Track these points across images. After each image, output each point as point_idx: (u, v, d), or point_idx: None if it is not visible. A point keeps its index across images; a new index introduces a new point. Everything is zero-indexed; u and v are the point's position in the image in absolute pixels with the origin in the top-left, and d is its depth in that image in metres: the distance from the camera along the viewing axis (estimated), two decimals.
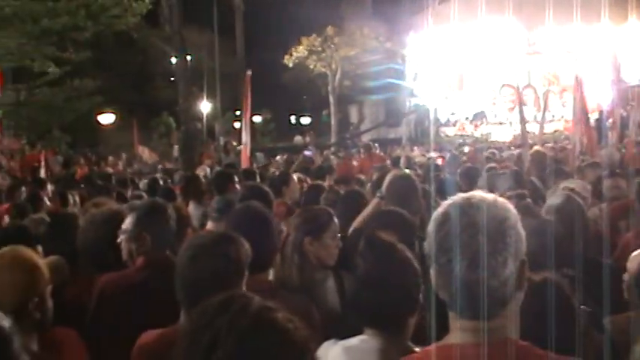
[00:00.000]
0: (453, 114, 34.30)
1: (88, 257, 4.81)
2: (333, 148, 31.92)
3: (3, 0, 12.39)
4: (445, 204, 2.22)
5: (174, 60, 27.50)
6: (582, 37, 29.62)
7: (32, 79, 14.40)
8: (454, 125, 34.08)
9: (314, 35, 37.94)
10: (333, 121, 40.28)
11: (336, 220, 4.65)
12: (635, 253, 4.23)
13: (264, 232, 4.11)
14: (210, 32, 38.68)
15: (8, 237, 4.55)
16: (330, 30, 37.85)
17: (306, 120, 57.65)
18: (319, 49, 38.15)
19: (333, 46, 38.02)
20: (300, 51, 38.10)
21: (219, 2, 36.91)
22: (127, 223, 4.44)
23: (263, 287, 3.43)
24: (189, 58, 27.82)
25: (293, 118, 60.07)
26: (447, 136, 32.69)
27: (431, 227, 2.21)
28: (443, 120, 34.22)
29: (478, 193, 2.23)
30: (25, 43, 12.98)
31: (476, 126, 33.48)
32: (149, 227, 4.35)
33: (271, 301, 2.08)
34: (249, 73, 15.13)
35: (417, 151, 24.10)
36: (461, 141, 29.93)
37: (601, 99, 23.67)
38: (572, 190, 6.63)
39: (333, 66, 38.85)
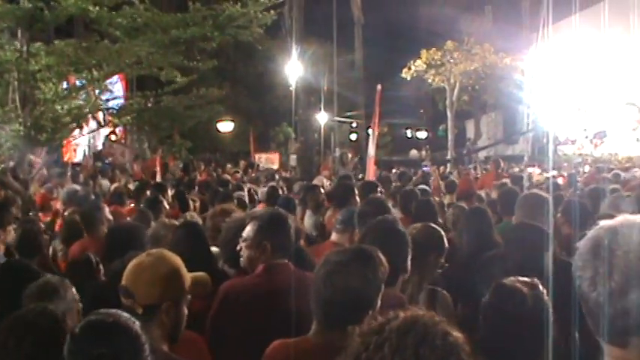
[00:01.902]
0: (572, 132, 33.44)
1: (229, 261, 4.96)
2: (450, 164, 31.64)
3: (135, 11, 12.81)
4: (601, 227, 2.15)
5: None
6: None
7: (157, 87, 14.83)
8: (573, 144, 33.20)
9: (434, 49, 37.71)
10: (449, 136, 39.91)
11: None
12: None
13: (398, 246, 4.12)
14: (330, 44, 39.05)
15: None
16: (449, 44, 37.55)
17: (422, 134, 57.49)
18: (438, 62, 37.88)
19: (452, 60, 37.69)
20: (419, 64, 37.91)
21: (339, 15, 37.20)
22: (248, 230, 4.53)
23: (395, 302, 3.42)
24: (308, 69, 28.16)
25: (409, 132, 60.02)
26: (564, 154, 31.86)
27: (583, 250, 2.15)
28: (561, 138, 33.39)
29: (622, 218, 2.17)
30: (154, 52, 13.36)
31: (595, 145, 32.52)
32: (270, 236, 4.42)
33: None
34: (379, 87, 15.21)
35: (534, 170, 23.62)
36: (580, 160, 29.15)
37: None
38: None
39: (452, 80, 38.47)
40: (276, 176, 21.87)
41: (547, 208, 5.68)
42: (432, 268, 4.89)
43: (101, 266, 5.46)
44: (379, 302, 3.15)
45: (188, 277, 3.49)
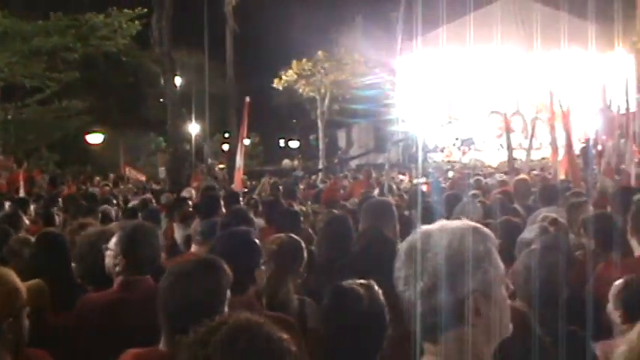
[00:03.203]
0: (441, 140, 34.41)
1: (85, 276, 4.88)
2: (321, 173, 31.94)
3: None
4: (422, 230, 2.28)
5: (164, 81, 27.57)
6: (570, 65, 29.84)
7: (21, 98, 14.40)
8: (442, 151, 34.15)
9: (304, 59, 38.06)
10: (321, 146, 40.33)
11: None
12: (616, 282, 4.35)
13: (247, 256, 4.17)
14: (201, 54, 38.81)
15: None
16: (320, 54, 37.99)
17: (294, 144, 57.76)
18: (309, 73, 38.26)
19: (322, 70, 38.13)
20: (289, 75, 38.18)
21: (214, 25, 37.03)
22: (112, 242, 4.51)
23: (244, 307, 3.47)
24: (178, 79, 27.83)
25: (282, 142, 60.20)
26: (434, 162, 32.72)
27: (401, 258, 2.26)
28: (431, 146, 34.27)
29: (441, 223, 2.30)
30: (14, 63, 12.99)
31: (464, 152, 33.56)
32: (129, 250, 4.37)
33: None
34: (247, 99, 15.30)
35: (402, 177, 24.17)
36: (449, 167, 30.00)
37: (588, 127, 23.79)
38: (554, 219, 6.71)
39: (322, 90, 38.93)
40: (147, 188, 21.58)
41: (391, 213, 5.84)
42: (295, 277, 4.96)
43: None
44: (226, 310, 3.20)
45: (24, 288, 3.44)
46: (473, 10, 29.36)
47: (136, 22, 14.00)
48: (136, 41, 26.60)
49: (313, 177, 29.21)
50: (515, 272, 4.35)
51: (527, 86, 32.61)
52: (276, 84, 38.85)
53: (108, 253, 4.51)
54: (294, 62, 38.14)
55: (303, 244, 5.15)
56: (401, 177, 25.25)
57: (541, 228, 5.66)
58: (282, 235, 5.25)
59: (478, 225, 2.30)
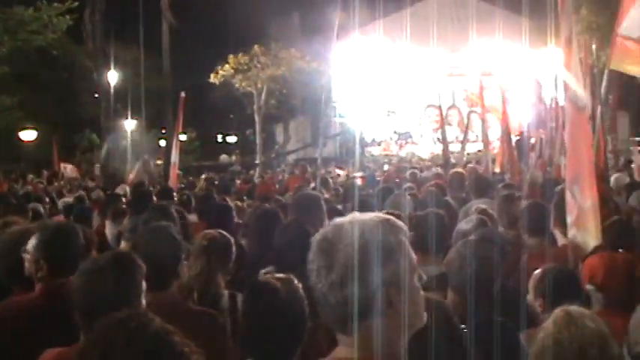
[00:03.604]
0: (378, 134, 34.62)
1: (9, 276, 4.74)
2: (258, 168, 31.89)
3: None
4: (328, 226, 2.29)
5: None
6: (504, 60, 30.23)
7: None
8: (379, 145, 34.36)
9: (241, 54, 37.93)
10: (258, 140, 40.27)
11: None
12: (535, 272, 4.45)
13: (169, 251, 4.14)
14: (137, 49, 38.32)
15: None
16: (256, 49, 37.91)
17: (232, 139, 57.43)
18: (245, 67, 38.15)
19: (259, 65, 38.06)
20: (226, 69, 38.01)
21: (146, 19, 36.60)
22: (30, 245, 4.30)
23: (164, 303, 3.45)
24: (114, 74, 27.47)
25: (220, 137, 59.76)
26: (372, 155, 32.91)
27: (313, 250, 2.27)
28: (369, 140, 34.44)
29: (353, 215, 2.31)
30: None
31: (401, 146, 33.84)
32: (48, 253, 4.21)
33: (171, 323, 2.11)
34: (182, 94, 15.19)
35: (339, 172, 24.26)
36: (386, 160, 30.20)
37: (522, 120, 24.14)
38: (483, 210, 6.81)
39: (259, 85, 38.87)
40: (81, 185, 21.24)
41: (318, 207, 5.88)
42: (225, 272, 4.97)
43: None
44: (144, 304, 3.18)
45: None
46: (409, 4, 29.63)
47: (67, 16, 13.69)
48: (69, 36, 26.12)
49: (251, 172, 29.16)
50: (449, 261, 4.44)
51: (462, 80, 32.99)
52: (213, 79, 38.64)
53: (26, 257, 4.33)
54: (231, 57, 37.99)
55: (233, 240, 5.15)
56: (338, 171, 25.33)
57: (478, 220, 5.74)
58: (212, 231, 5.24)
59: (390, 217, 2.32)
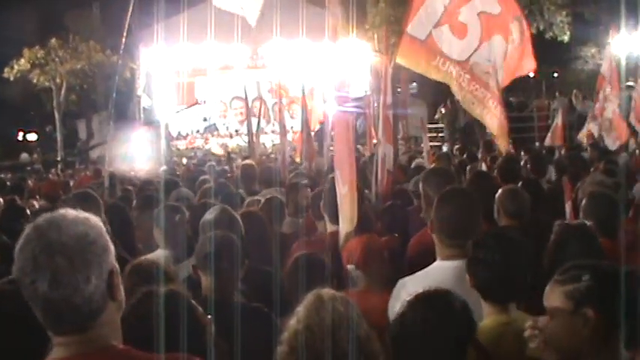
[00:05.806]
0: (183, 127, 34.43)
1: None
2: (60, 166, 30.79)
3: None
4: (29, 225, 2.23)
5: None
6: (308, 52, 30.71)
7: None
8: (185, 139, 34.16)
9: (37, 47, 36.46)
10: (59, 137, 38.98)
11: None
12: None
13: None
14: None
15: None
16: (54, 42, 36.56)
17: (32, 136, 54.97)
18: (42, 61, 36.71)
19: (57, 59, 36.75)
20: (22, 64, 36.41)
21: None
22: None
23: None
24: None
25: (20, 135, 57.08)
26: (178, 149, 32.62)
27: (16, 249, 2.20)
28: (175, 134, 34.11)
29: (61, 212, 2.25)
30: None
31: (206, 139, 33.79)
32: None
33: None
34: None
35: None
36: (192, 154, 30.08)
37: (325, 111, 24.68)
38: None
39: (58, 80, 37.55)
40: None
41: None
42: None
43: None
44: None
45: None
46: None
47: None
48: None
49: (53, 170, 28.16)
50: (197, 251, 4.65)
51: (266, 72, 33.35)
52: (7, 73, 36.86)
53: None
54: (26, 50, 36.40)
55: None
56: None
57: (220, 208, 5.84)
58: None
59: (88, 215, 2.29)
